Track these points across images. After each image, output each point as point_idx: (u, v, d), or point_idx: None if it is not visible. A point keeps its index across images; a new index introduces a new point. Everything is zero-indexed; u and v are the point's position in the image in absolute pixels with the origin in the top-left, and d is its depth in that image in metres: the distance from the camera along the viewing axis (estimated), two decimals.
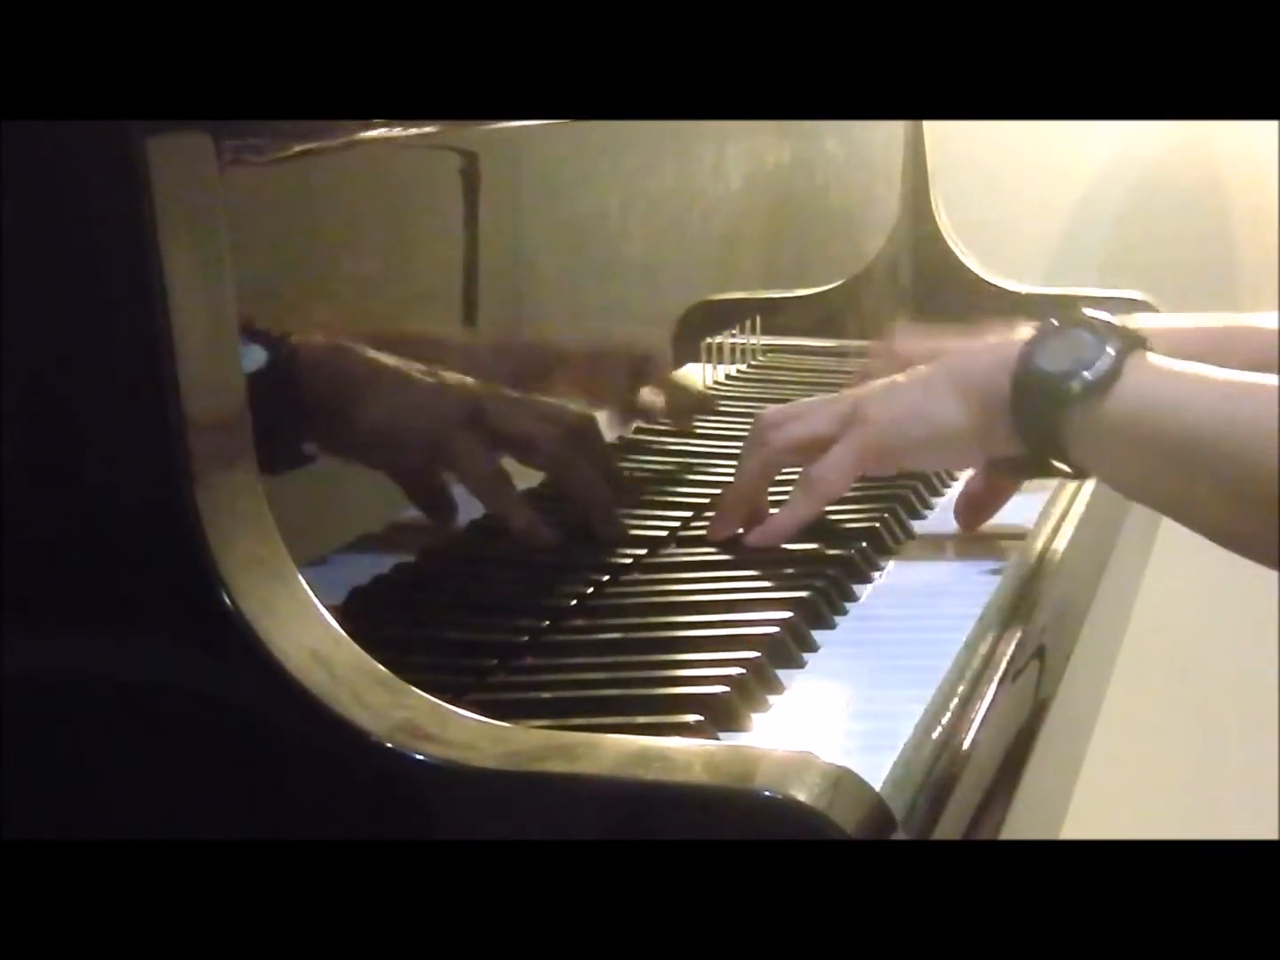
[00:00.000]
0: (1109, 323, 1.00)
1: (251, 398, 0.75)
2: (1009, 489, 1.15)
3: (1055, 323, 1.01)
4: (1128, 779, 2.12)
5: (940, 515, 1.22)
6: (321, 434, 0.88)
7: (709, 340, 1.36)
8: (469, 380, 1.00)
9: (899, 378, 1.07)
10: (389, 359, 0.93)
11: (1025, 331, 1.03)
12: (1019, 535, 1.17)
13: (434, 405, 0.97)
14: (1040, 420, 1.00)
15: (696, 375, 1.35)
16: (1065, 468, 1.03)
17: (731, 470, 1.25)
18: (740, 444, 1.30)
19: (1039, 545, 1.18)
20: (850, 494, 1.16)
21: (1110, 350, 0.98)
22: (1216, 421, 0.95)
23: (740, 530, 1.10)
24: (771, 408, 1.13)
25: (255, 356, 0.83)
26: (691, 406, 1.30)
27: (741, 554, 1.09)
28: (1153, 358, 0.99)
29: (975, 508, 1.16)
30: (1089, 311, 1.02)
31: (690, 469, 1.23)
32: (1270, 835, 2.08)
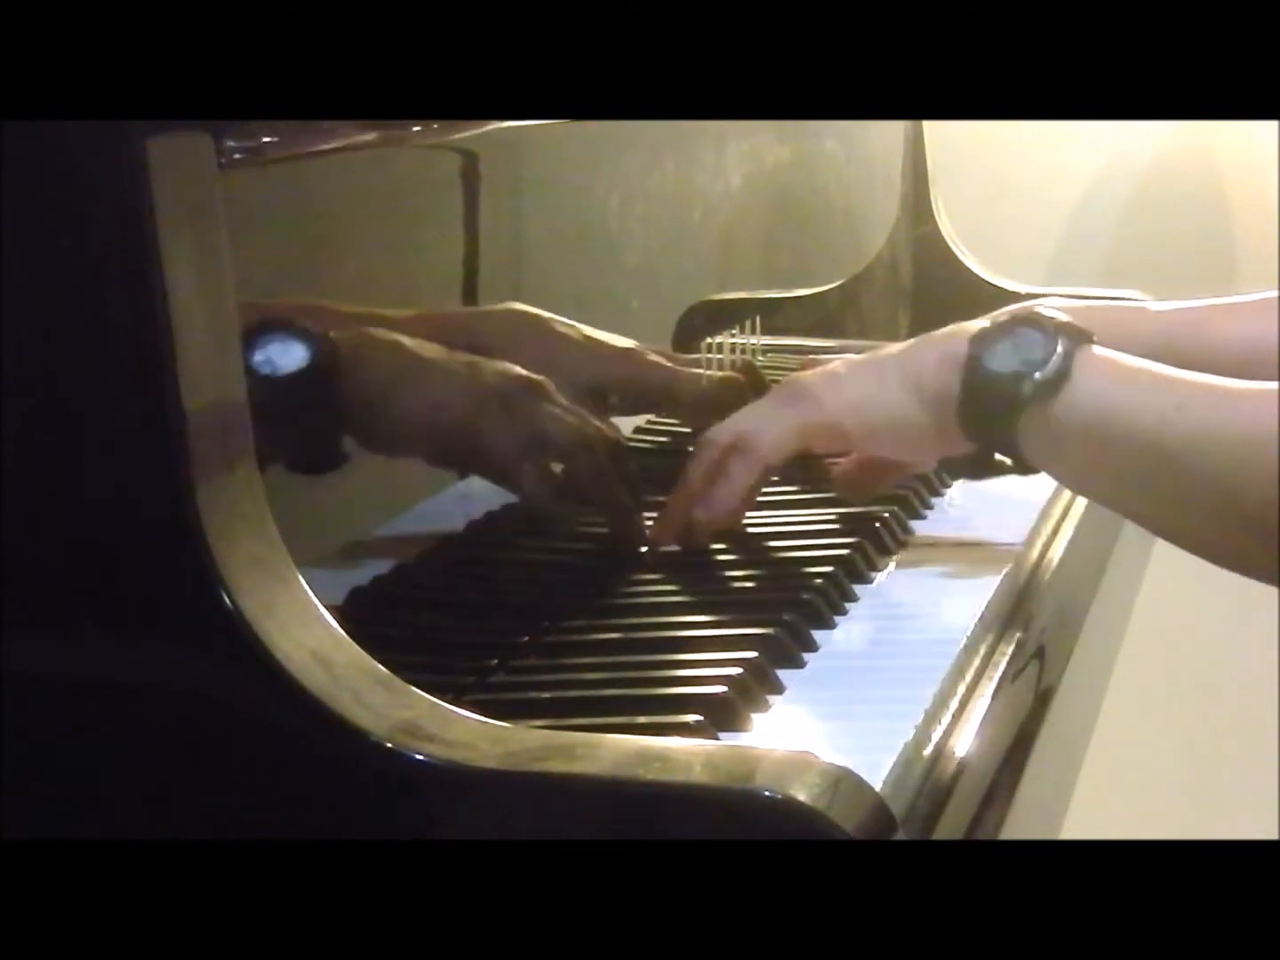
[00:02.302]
0: (1055, 319, 0.98)
1: (294, 396, 0.74)
2: (891, 470, 1.14)
3: (1001, 318, 1.00)
4: (1128, 779, 2.12)
5: (940, 516, 1.22)
6: (362, 427, 0.88)
7: (709, 340, 1.36)
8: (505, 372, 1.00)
9: (843, 367, 1.06)
10: (427, 349, 0.93)
11: (972, 326, 1.02)
12: (1019, 536, 1.17)
13: (474, 396, 0.97)
14: (990, 422, 0.99)
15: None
16: (1014, 464, 1.02)
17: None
18: None
19: (1039, 545, 1.18)
20: None
21: (1059, 349, 0.97)
22: (1164, 424, 0.94)
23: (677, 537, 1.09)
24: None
25: (296, 354, 0.83)
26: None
27: (742, 554, 1.09)
28: (1101, 353, 0.98)
29: (856, 483, 1.15)
30: (1037, 306, 1.00)
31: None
32: (1270, 835, 2.08)
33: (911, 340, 1.06)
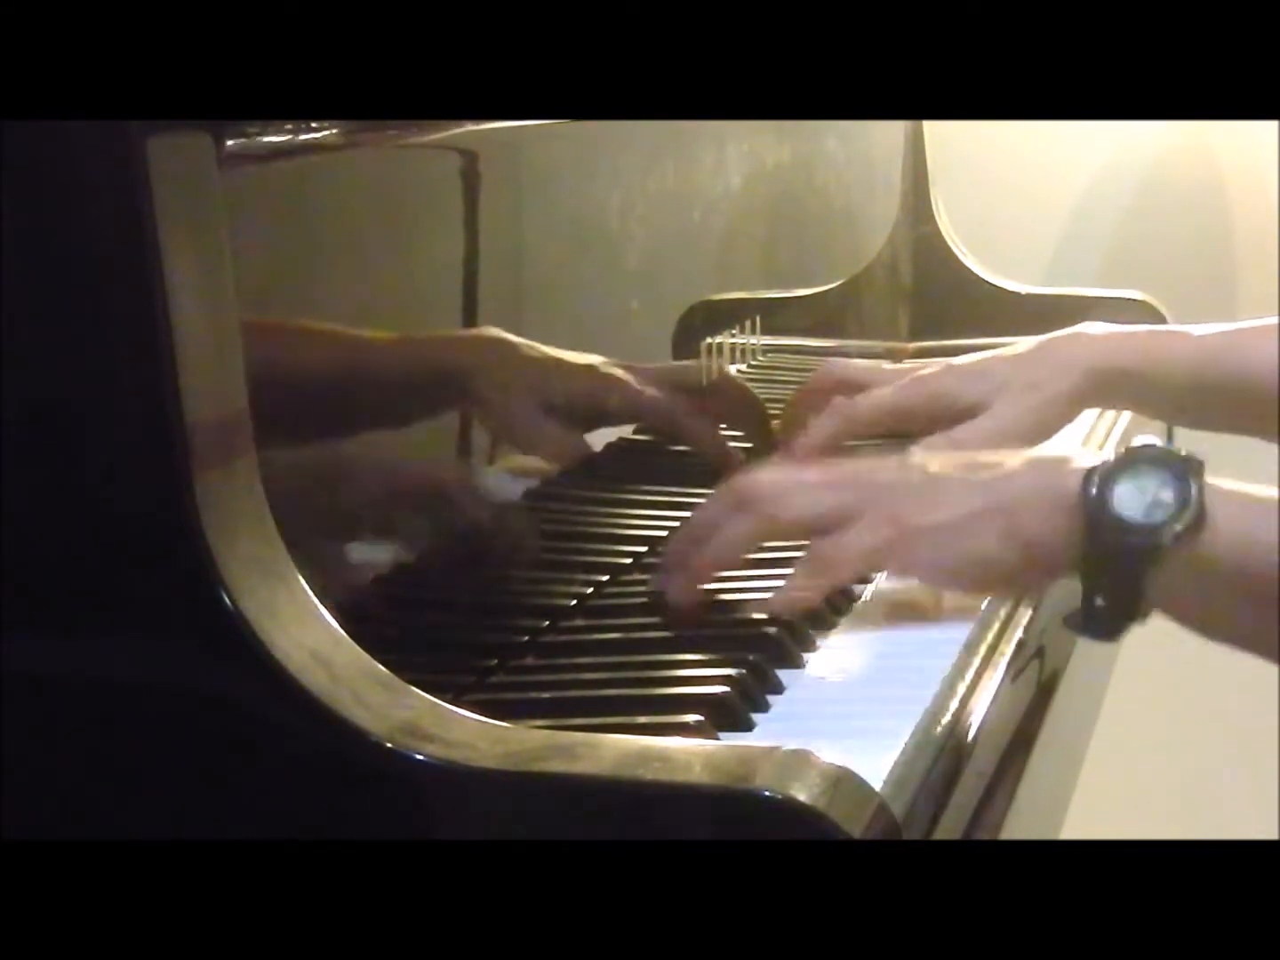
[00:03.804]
0: (1177, 453, 0.90)
1: None
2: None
3: (1115, 453, 0.91)
4: (1128, 779, 2.12)
5: None
6: None
7: (709, 340, 1.36)
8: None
9: (923, 475, 0.95)
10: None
11: (1074, 458, 0.93)
12: None
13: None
14: (1117, 571, 0.89)
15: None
16: (1122, 612, 0.91)
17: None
18: (738, 444, 1.30)
19: None
20: None
21: (1193, 488, 0.88)
22: None
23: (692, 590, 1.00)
24: (765, 473, 1.01)
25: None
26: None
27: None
28: (1227, 486, 0.90)
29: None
30: (1144, 440, 0.92)
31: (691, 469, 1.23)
32: (1270, 835, 2.08)
33: (1004, 462, 0.95)
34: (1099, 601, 0.90)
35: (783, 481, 0.99)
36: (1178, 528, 0.88)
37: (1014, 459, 0.96)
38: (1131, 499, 0.89)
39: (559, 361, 1.07)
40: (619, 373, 1.12)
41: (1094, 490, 0.89)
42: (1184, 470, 0.89)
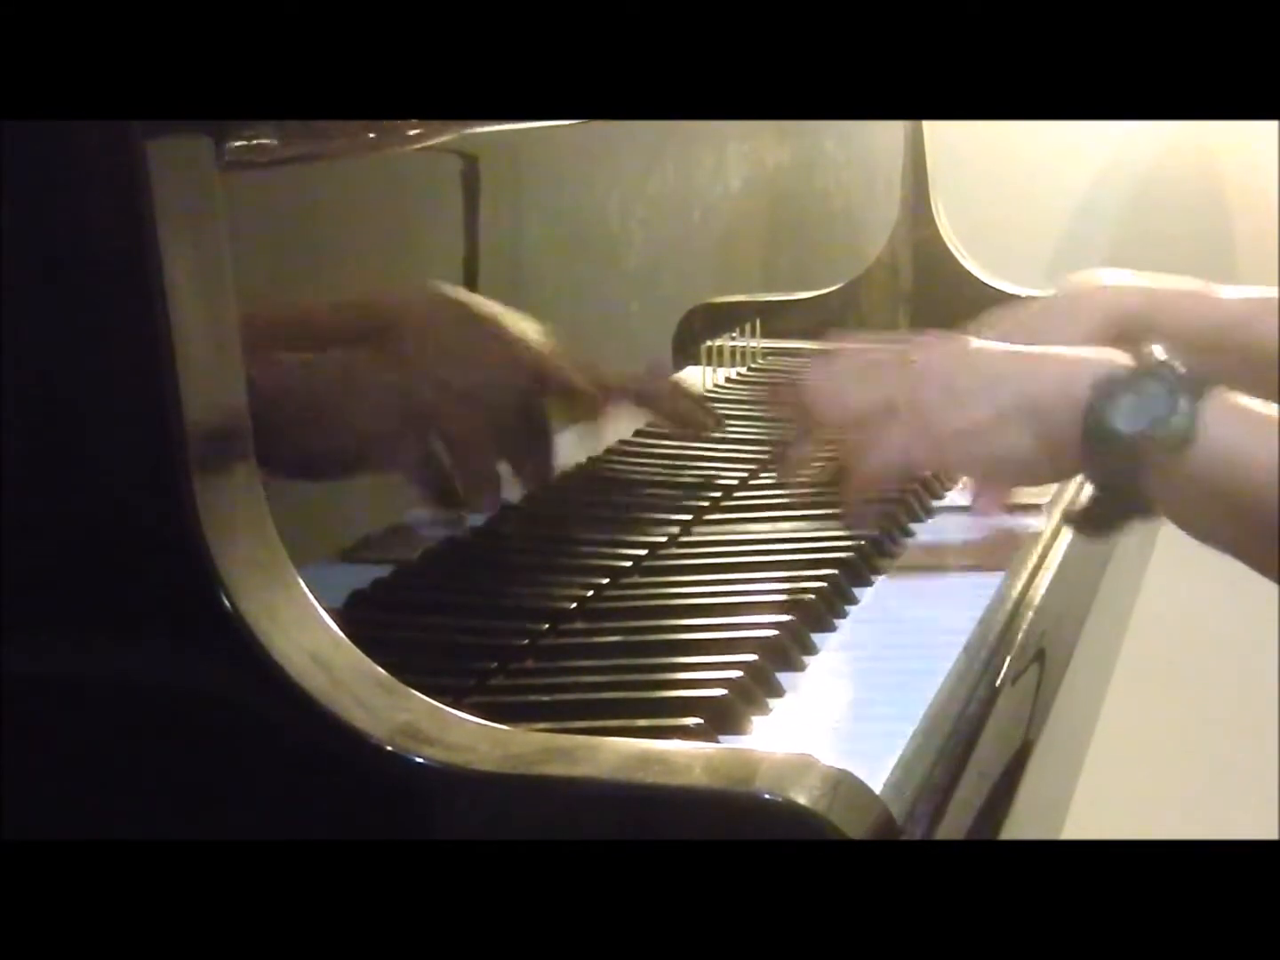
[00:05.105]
0: (1178, 370, 0.95)
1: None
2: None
3: (1123, 366, 0.96)
4: (1128, 779, 2.11)
5: (940, 518, 1.22)
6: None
7: (709, 343, 1.36)
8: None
9: (960, 382, 1.02)
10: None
11: (1094, 361, 0.98)
12: (1019, 536, 1.17)
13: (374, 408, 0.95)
14: (1113, 475, 0.96)
15: (696, 378, 1.35)
16: (1138, 513, 0.99)
17: (732, 476, 1.25)
18: (738, 447, 1.30)
19: (1039, 547, 1.18)
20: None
21: (1183, 405, 0.93)
22: None
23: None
24: (819, 380, 1.09)
25: None
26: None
27: (742, 557, 1.09)
28: (1228, 402, 0.94)
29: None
30: (1158, 353, 0.96)
31: (691, 472, 1.23)
32: (1270, 835, 2.08)
33: (1027, 357, 1.01)
34: (1099, 503, 0.99)
35: (824, 388, 1.08)
36: (1162, 440, 0.93)
37: (1042, 356, 1.01)
38: (1129, 412, 0.94)
39: (506, 335, 1.05)
40: (563, 365, 1.10)
41: (1096, 396, 0.95)
42: (1179, 386, 0.93)
